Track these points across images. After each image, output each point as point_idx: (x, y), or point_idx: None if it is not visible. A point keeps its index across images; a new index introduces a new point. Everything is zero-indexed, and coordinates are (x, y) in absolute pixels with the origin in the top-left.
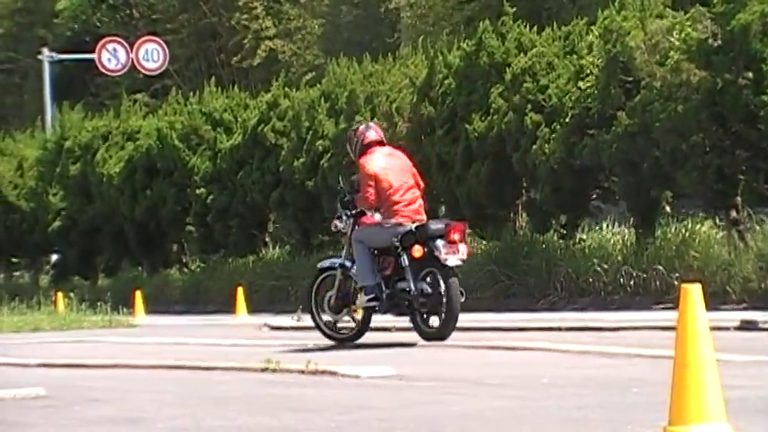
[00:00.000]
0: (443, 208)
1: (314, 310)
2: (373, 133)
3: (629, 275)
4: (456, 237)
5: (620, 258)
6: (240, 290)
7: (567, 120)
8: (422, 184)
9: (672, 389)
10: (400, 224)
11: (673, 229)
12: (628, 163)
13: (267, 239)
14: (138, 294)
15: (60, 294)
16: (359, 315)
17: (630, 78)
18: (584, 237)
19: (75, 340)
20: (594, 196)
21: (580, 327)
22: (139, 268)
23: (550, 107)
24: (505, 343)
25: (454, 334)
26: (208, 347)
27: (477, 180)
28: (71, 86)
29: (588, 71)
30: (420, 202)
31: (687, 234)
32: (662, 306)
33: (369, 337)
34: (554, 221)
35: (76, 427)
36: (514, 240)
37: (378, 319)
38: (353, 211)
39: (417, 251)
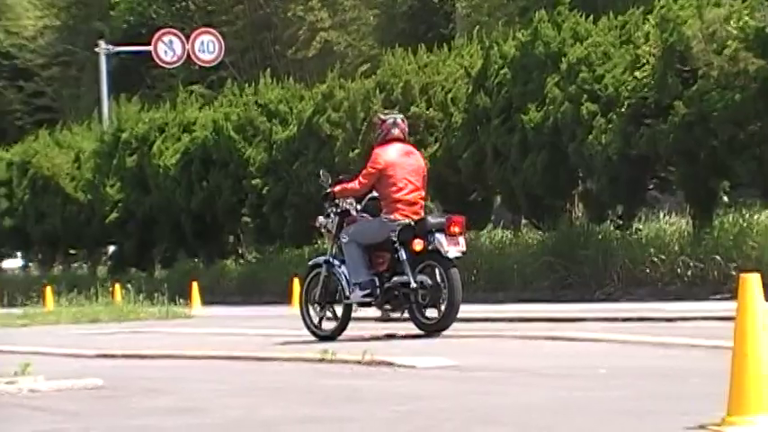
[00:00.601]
0: (498, 198)
1: (303, 306)
2: (397, 131)
3: (687, 266)
4: (456, 230)
5: (677, 248)
6: (296, 280)
7: (624, 109)
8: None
9: (730, 379)
10: (397, 219)
11: (730, 219)
12: (685, 153)
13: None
14: (195, 285)
15: (118, 285)
16: (339, 313)
17: (687, 68)
18: (641, 227)
19: (132, 331)
20: (651, 186)
21: (637, 317)
22: (196, 259)
23: (606, 97)
24: (562, 333)
25: (514, 324)
26: (263, 338)
27: (532, 170)
28: (127, 78)
29: (645, 60)
30: (422, 203)
31: (745, 224)
32: (720, 296)
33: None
34: (610, 212)
35: (134, 417)
36: (571, 231)
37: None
38: (338, 209)
39: (418, 245)
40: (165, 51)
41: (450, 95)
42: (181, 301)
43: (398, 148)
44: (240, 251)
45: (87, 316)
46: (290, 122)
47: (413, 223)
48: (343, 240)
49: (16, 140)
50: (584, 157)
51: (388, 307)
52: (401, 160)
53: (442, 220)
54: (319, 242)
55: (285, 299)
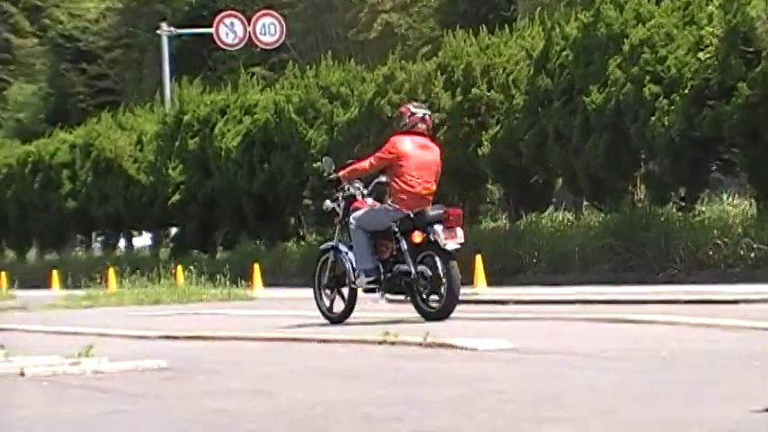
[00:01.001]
0: (560, 181)
1: (316, 290)
2: (423, 126)
3: (750, 248)
4: (455, 222)
5: (740, 231)
6: None
7: (687, 91)
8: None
9: None
10: (400, 210)
11: None
12: (748, 134)
13: None
14: (257, 267)
15: (180, 267)
16: (345, 296)
17: (751, 49)
18: (704, 209)
19: (194, 313)
20: (714, 168)
21: (699, 300)
22: (257, 241)
23: (669, 78)
24: (624, 316)
25: (575, 307)
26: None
27: (594, 152)
28: (189, 61)
29: (708, 42)
30: (429, 198)
31: None
32: None
33: (484, 310)
34: (673, 194)
35: (199, 398)
36: (633, 213)
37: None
38: (345, 194)
39: (417, 237)
40: (227, 33)
41: (511, 77)
42: (242, 282)
43: (417, 140)
44: (301, 233)
45: (150, 297)
46: (351, 105)
47: (412, 215)
48: (351, 226)
49: (79, 123)
50: (646, 138)
51: (389, 296)
52: (416, 152)
53: (440, 212)
54: None
55: None
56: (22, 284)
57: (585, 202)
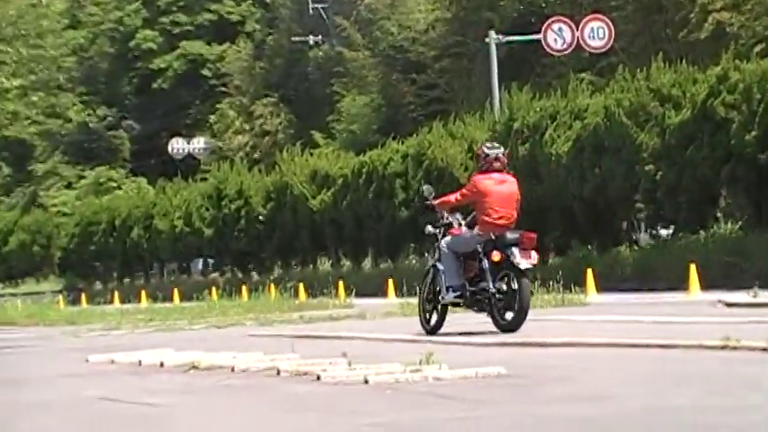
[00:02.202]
0: None
1: (419, 302)
2: (499, 164)
3: None
4: (529, 245)
5: None
6: (692, 266)
7: None
8: (517, 214)
9: None
10: (484, 234)
11: None
12: None
13: (718, 215)
14: (589, 272)
15: None
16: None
17: None
18: None
19: (528, 319)
20: None
21: None
22: (589, 246)
23: None
24: None
25: None
26: (661, 325)
27: None
28: (518, 67)
29: None
30: (508, 225)
31: None
32: None
33: None
34: None
35: (542, 405)
36: None
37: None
38: (445, 221)
39: (496, 256)
40: (555, 39)
41: None
42: (575, 288)
43: (495, 177)
44: (634, 237)
45: None
46: (684, 106)
47: (494, 237)
48: (443, 249)
49: (410, 133)
50: None
51: (474, 308)
52: (495, 188)
53: (517, 236)
54: (714, 227)
55: (681, 285)
56: (359, 292)
57: None
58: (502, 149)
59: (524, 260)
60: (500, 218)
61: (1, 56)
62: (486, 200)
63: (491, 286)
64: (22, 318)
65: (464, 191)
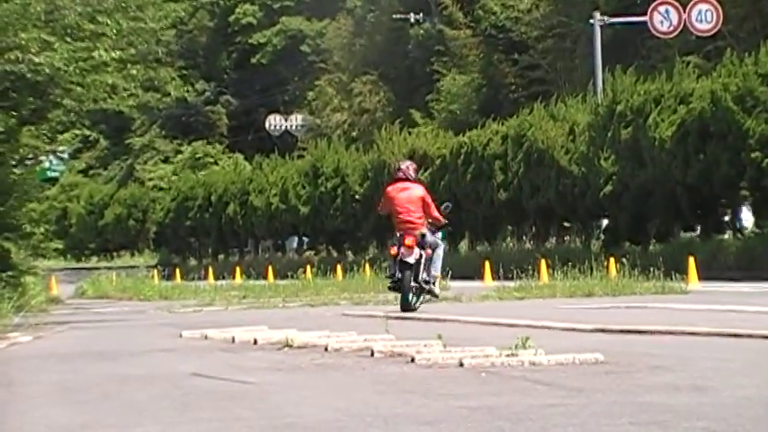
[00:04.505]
0: None
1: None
2: (401, 174)
3: None
4: (409, 242)
5: None
6: None
7: None
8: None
9: None
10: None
11: None
12: None
13: None
14: (691, 260)
15: (612, 259)
16: None
17: None
18: None
19: (627, 306)
20: None
21: None
22: (691, 233)
23: None
24: None
25: None
26: (765, 315)
27: None
28: (622, 50)
29: None
30: (408, 220)
31: None
32: None
33: None
34: None
35: (640, 393)
36: None
37: None
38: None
39: (393, 250)
40: (662, 21)
41: None
42: (677, 276)
43: (396, 186)
44: (738, 225)
45: (582, 290)
46: None
47: (398, 235)
48: None
49: (511, 114)
50: None
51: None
52: (397, 194)
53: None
54: None
55: None
56: (455, 275)
57: None
58: (408, 162)
59: (408, 256)
60: (402, 215)
61: (101, 28)
62: (389, 203)
63: (397, 273)
64: (116, 291)
65: (380, 201)
